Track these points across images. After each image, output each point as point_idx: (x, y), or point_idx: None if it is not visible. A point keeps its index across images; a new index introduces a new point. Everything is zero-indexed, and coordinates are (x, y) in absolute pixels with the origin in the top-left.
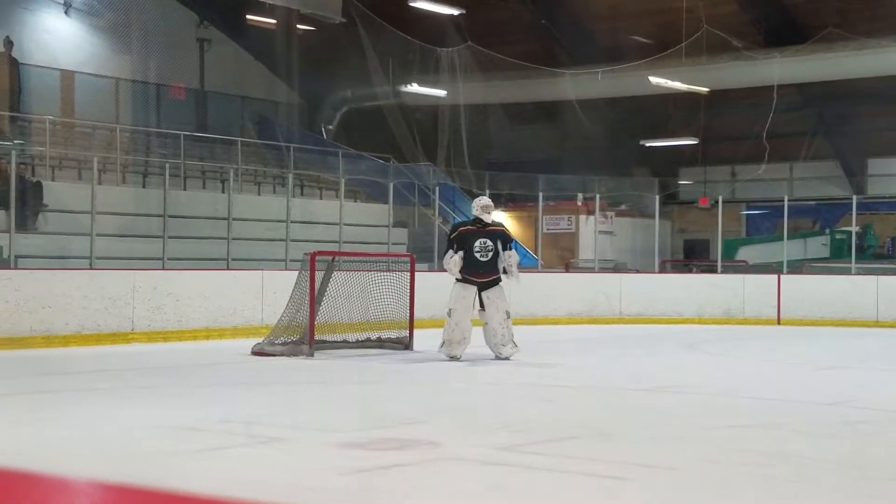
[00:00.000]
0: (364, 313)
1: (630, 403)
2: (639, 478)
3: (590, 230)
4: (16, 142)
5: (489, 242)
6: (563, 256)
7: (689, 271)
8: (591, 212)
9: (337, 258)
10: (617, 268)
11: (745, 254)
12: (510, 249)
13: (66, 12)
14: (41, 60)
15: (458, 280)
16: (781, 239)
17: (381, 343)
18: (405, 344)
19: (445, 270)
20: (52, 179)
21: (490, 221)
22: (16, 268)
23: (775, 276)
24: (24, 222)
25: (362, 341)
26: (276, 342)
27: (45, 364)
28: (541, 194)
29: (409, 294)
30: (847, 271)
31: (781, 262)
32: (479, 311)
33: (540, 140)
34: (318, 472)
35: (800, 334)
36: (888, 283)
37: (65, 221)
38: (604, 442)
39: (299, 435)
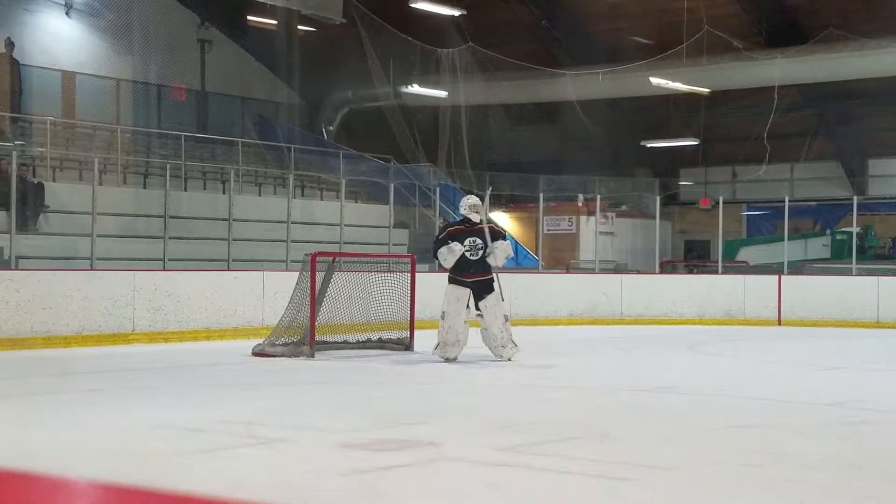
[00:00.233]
0: (365, 314)
1: (630, 404)
2: (639, 478)
3: (590, 231)
4: (17, 142)
5: (478, 241)
6: (564, 257)
7: (690, 272)
8: (591, 212)
9: (338, 259)
10: (617, 268)
11: (746, 254)
12: (503, 240)
13: (66, 13)
14: (42, 61)
15: (450, 282)
16: (782, 239)
17: (381, 344)
18: (406, 345)
19: (444, 266)
20: (53, 180)
21: (478, 220)
22: (17, 268)
23: (776, 277)
24: (25, 223)
25: (363, 342)
26: (277, 343)
27: (46, 365)
28: (541, 195)
29: (409, 295)
30: (848, 272)
31: (782, 263)
32: (477, 315)
33: (541, 141)
34: (318, 473)
35: (800, 335)
36: (889, 283)
37: (66, 222)
38: (604, 442)
39: (300, 435)
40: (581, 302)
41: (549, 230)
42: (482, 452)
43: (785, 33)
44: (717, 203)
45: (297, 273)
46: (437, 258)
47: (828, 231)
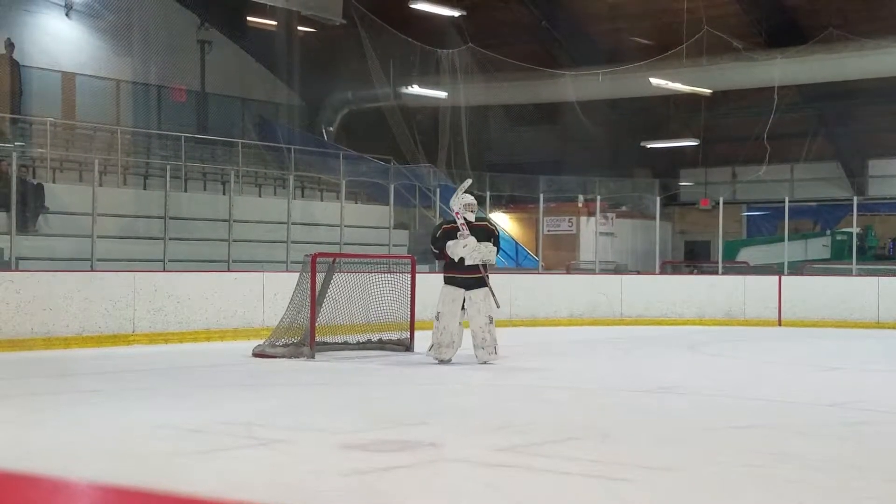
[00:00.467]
0: (365, 315)
1: (630, 404)
2: (639, 479)
3: (590, 231)
4: (17, 143)
5: (473, 239)
6: (564, 258)
7: (690, 273)
8: (591, 213)
9: (338, 260)
10: (618, 269)
11: (746, 255)
12: (495, 244)
13: (67, 14)
14: (42, 62)
15: (445, 282)
16: (782, 240)
17: (381, 345)
18: (406, 345)
19: (448, 254)
20: (53, 181)
21: (474, 219)
22: (17, 270)
23: (776, 278)
24: (25, 224)
25: (363, 343)
26: (277, 344)
27: (46, 366)
28: (541, 195)
29: (409, 296)
30: (848, 272)
31: (782, 264)
32: (464, 311)
33: (541, 141)
34: (318, 474)
35: (800, 335)
36: (889, 284)
37: (66, 223)
38: (604, 443)
39: (300, 436)
40: (581, 302)
41: (549, 231)
42: (482, 453)
43: (785, 33)
44: (718, 203)
45: (298, 274)
46: (435, 253)
47: (828, 231)
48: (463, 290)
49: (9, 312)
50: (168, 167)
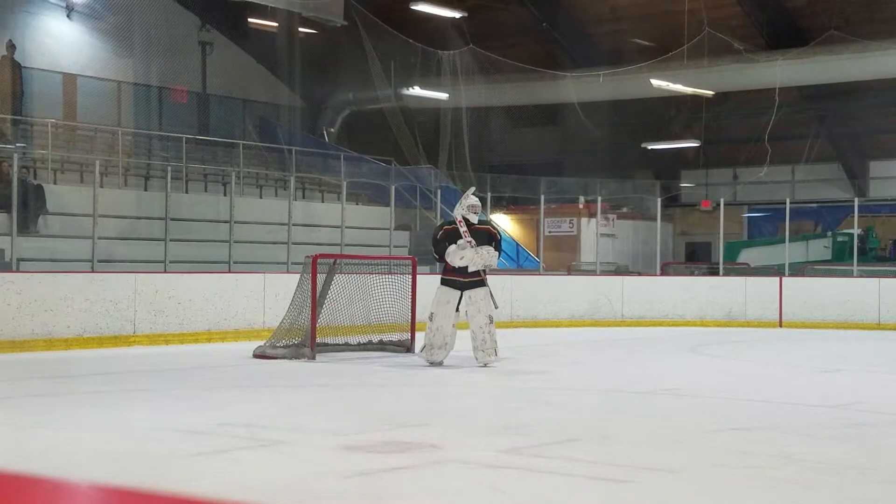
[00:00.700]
0: (366, 316)
1: (632, 406)
2: (641, 480)
3: (591, 233)
4: (18, 145)
5: (473, 242)
6: (565, 259)
7: (691, 274)
8: (592, 214)
9: (338, 261)
10: (618, 270)
11: (747, 256)
12: (496, 248)
13: (68, 16)
14: (43, 64)
15: (442, 283)
16: (783, 241)
17: (382, 346)
18: (407, 347)
19: (447, 261)
20: (54, 182)
21: (476, 221)
22: (17, 271)
23: (777, 279)
24: (26, 225)
25: (364, 344)
26: (278, 345)
27: (47, 367)
28: (542, 197)
29: (410, 297)
30: (849, 274)
31: (783, 265)
32: (458, 313)
33: (542, 143)
34: (319, 475)
35: (802, 337)
36: (890, 285)
37: (66, 224)
38: (605, 445)
39: (301, 437)
40: (582, 304)
41: (550, 232)
42: (483, 454)
43: (786, 35)
44: (719, 205)
45: (299, 275)
46: (436, 256)
47: (829, 233)
48: (458, 292)
49: (10, 313)
50: (169, 168)
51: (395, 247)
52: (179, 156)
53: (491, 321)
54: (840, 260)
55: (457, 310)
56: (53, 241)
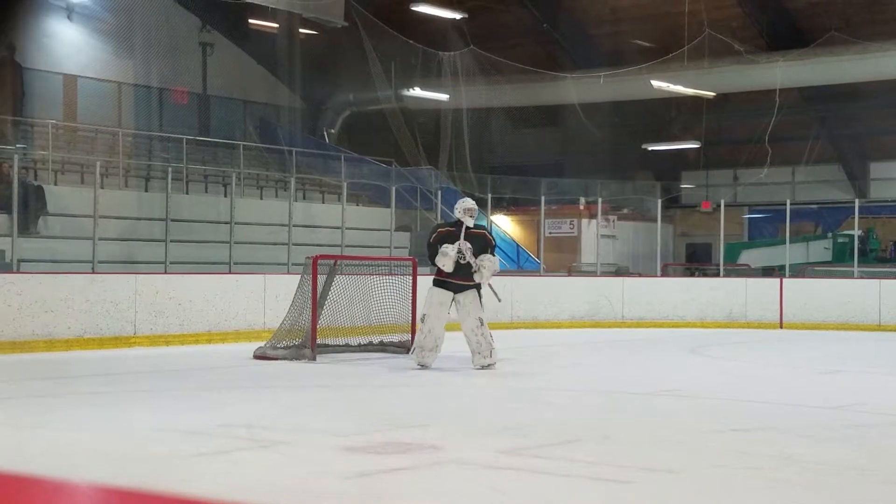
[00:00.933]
0: (366, 317)
1: (632, 407)
2: (641, 481)
3: (592, 234)
4: (18, 146)
5: (471, 248)
6: (566, 260)
7: (692, 275)
8: (593, 215)
9: (339, 262)
10: (619, 271)
11: (748, 257)
12: (491, 254)
13: (68, 17)
14: (44, 65)
15: (434, 284)
16: (784, 242)
17: (383, 347)
18: (407, 348)
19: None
20: (55, 183)
21: (472, 225)
22: (18, 272)
23: (777, 280)
24: (27, 226)
25: (364, 345)
26: (279, 346)
27: (48, 368)
28: (543, 198)
29: (410, 298)
30: (849, 275)
31: (784, 266)
32: (449, 315)
33: (542, 144)
34: (319, 476)
35: (802, 338)
36: (890, 286)
37: (67, 225)
38: (606, 445)
39: (301, 438)
40: (582, 305)
41: (550, 233)
42: (483, 455)
43: (786, 36)
44: (719, 206)
45: (299, 276)
46: (432, 262)
47: (829, 234)
48: (451, 294)
49: (10, 314)
50: (169, 169)
51: (395, 248)
52: (180, 157)
53: (482, 322)
54: (840, 261)
55: (448, 312)
56: (54, 242)
